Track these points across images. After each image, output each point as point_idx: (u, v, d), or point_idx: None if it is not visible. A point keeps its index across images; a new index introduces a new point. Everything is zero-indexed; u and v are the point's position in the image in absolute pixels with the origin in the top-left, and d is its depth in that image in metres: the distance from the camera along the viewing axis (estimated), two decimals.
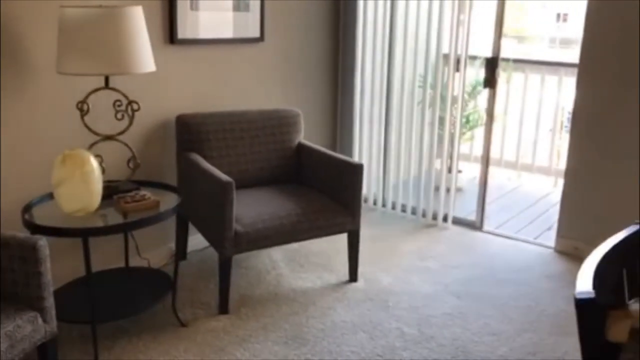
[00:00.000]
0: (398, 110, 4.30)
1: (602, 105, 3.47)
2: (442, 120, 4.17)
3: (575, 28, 6.94)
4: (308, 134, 3.82)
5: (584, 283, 0.98)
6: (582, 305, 0.92)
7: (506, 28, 3.89)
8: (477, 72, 4.80)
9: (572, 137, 3.63)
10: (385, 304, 3.07)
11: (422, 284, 3.30)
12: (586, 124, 3.55)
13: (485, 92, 4.08)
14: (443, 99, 4.12)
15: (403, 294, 3.17)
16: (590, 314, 0.92)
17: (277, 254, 3.59)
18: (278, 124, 3.49)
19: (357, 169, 3.14)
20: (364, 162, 4.26)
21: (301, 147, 3.54)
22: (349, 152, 4.44)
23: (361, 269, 3.32)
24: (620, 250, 1.17)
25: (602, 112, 3.47)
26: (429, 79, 4.21)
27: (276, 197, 3.19)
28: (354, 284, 3.27)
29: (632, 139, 3.38)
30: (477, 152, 5.07)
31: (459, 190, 4.55)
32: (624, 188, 3.43)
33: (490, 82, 3.91)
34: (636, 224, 1.26)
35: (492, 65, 3.86)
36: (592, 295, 0.93)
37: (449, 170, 4.25)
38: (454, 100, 4.10)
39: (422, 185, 4.22)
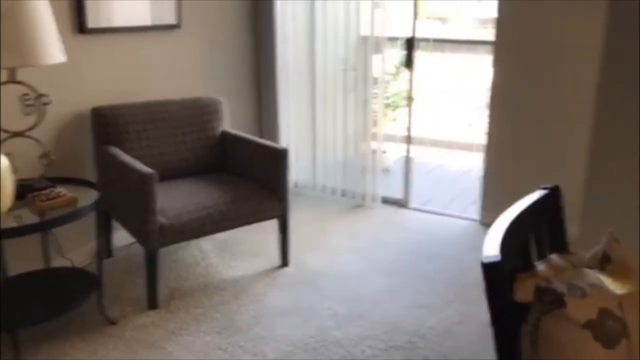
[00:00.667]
0: (323, 94, 4.31)
1: (518, 81, 3.60)
2: (365, 102, 4.22)
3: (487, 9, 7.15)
4: (233, 122, 3.77)
5: (491, 247, 1.02)
6: (488, 268, 0.95)
7: (428, 10, 3.97)
8: (399, 54, 4.89)
9: (491, 112, 3.75)
10: (316, 286, 3.10)
11: (353, 263, 3.35)
12: (504, 100, 3.68)
13: (406, 73, 4.15)
14: (366, 81, 4.16)
15: (334, 275, 3.21)
16: (496, 277, 0.96)
17: (207, 244, 3.54)
18: (200, 112, 3.43)
19: (282, 154, 3.14)
20: (292, 147, 4.25)
21: (225, 135, 3.49)
22: (275, 138, 4.43)
23: (292, 254, 3.33)
24: (526, 214, 1.23)
25: (518, 88, 3.61)
26: (351, 62, 4.24)
27: (202, 187, 3.15)
28: (285, 269, 3.28)
29: (546, 114, 3.53)
30: (402, 133, 5.15)
31: (386, 170, 4.63)
32: (541, 159, 3.59)
33: (409, 62, 3.98)
34: (542, 188, 1.32)
35: (410, 46, 3.93)
36: (498, 258, 0.97)
37: (375, 152, 4.32)
38: (376, 81, 4.15)
39: (350, 167, 4.27)
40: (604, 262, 1.19)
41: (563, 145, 3.53)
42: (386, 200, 4.25)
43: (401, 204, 4.21)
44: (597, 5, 2.88)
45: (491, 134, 3.79)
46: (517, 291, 1.02)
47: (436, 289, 3.06)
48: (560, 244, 1.33)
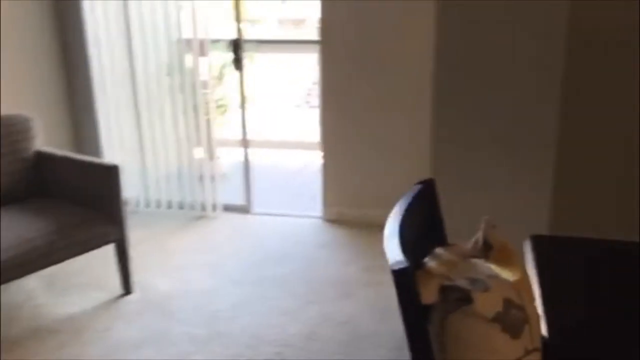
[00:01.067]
0: (147, 101, 4.00)
1: (346, 77, 3.67)
2: (195, 106, 4.01)
3: (301, 8, 7.29)
4: (49, 140, 3.34)
5: (395, 253, 0.95)
6: (399, 275, 0.88)
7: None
8: (222, 56, 4.73)
9: (323, 110, 3.78)
10: (167, 310, 2.86)
11: (203, 280, 3.15)
12: (335, 97, 3.72)
13: (235, 75, 4.03)
14: (194, 85, 3.96)
15: (184, 296, 2.99)
16: (408, 282, 0.89)
17: (30, 282, 3.09)
18: (6, 133, 2.97)
19: (113, 171, 2.84)
20: (117, 161, 3.89)
21: (41, 155, 3.07)
22: (97, 153, 4.03)
23: (135, 279, 3.03)
24: (409, 212, 1.18)
25: (347, 84, 3.68)
26: (175, 66, 4.00)
27: (19, 217, 2.73)
28: (129, 297, 2.98)
29: (376, 108, 3.64)
30: (237, 136, 5.01)
31: (223, 176, 4.47)
32: (377, 152, 3.71)
33: (238, 64, 3.87)
34: (418, 183, 1.29)
35: (236, 47, 3.82)
36: (406, 263, 0.90)
37: (210, 158, 4.15)
38: (204, 85, 3.97)
39: (185, 177, 4.04)
40: (486, 250, 1.19)
41: (397, 137, 3.67)
42: (228, 208, 4.10)
43: (244, 209, 4.09)
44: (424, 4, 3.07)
45: (325, 131, 3.82)
46: (422, 294, 0.96)
47: (292, 293, 3.00)
48: (441, 238, 1.32)
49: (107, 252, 2.93)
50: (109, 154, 4.05)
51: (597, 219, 1.82)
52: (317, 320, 2.75)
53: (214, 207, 4.04)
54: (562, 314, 1.07)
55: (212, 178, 4.05)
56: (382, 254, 3.22)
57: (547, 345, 1.00)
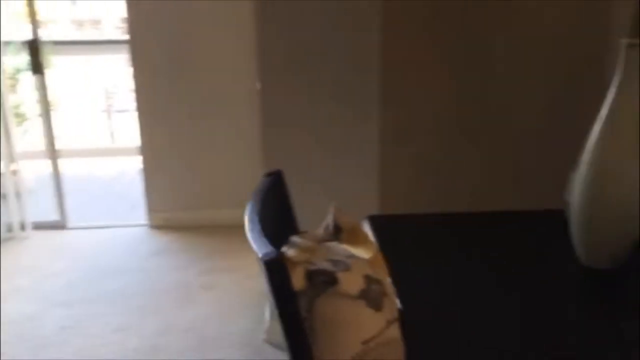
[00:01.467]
0: None
1: (160, 78, 3.55)
2: None
3: (95, 9, 6.87)
4: None
5: (262, 244, 0.96)
6: (270, 265, 0.89)
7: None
8: (14, 59, 4.29)
9: (140, 113, 3.62)
10: None
11: (20, 306, 2.84)
12: (151, 98, 3.59)
13: (32, 80, 3.67)
14: None
15: (2, 325, 2.67)
16: (280, 271, 0.90)
17: None
18: None
19: None
20: None
21: None
22: None
23: None
24: (265, 203, 1.20)
25: (161, 85, 3.56)
26: None
27: None
28: None
29: (193, 106, 3.59)
30: (40, 147, 4.57)
31: (30, 192, 4.05)
32: (199, 152, 3.66)
33: (37, 67, 3.54)
34: (267, 175, 1.31)
35: (34, 49, 3.49)
36: (275, 253, 0.91)
37: (13, 172, 3.75)
38: None
39: None
40: (337, 233, 1.25)
41: (219, 136, 3.66)
42: (40, 226, 3.73)
43: (58, 225, 3.76)
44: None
45: (144, 135, 3.67)
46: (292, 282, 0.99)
47: (128, 307, 2.84)
48: (294, 227, 1.35)
49: None
50: None
51: (420, 198, 2.02)
52: (158, 331, 2.64)
53: (23, 226, 3.65)
54: (410, 285, 1.17)
55: (17, 194, 3.67)
56: (216, 255, 3.20)
57: (402, 314, 1.08)
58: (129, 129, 4.01)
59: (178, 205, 3.73)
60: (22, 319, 2.74)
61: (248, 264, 3.21)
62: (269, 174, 1.31)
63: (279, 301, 0.93)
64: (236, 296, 2.91)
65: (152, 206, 3.78)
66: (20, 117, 4.45)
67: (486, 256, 1.46)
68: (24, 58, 3.61)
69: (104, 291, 2.99)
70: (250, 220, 1.09)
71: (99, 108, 5.31)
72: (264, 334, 2.55)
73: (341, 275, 1.02)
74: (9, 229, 3.63)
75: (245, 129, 3.62)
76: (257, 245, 0.96)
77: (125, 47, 3.53)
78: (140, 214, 3.86)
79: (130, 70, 3.55)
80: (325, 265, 1.04)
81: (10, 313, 2.79)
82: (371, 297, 1.03)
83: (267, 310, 2.64)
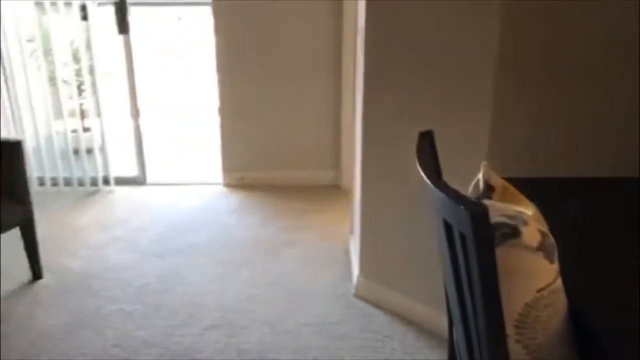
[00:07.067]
0: (19, 69, 3.66)
1: (243, 42, 3.64)
2: (73, 73, 3.75)
3: None
4: None
5: (459, 197, 1.05)
6: (478, 217, 0.99)
7: None
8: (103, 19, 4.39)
9: (220, 75, 3.73)
10: (90, 289, 2.72)
11: (118, 255, 3.03)
12: (232, 60, 3.68)
13: (116, 41, 3.80)
14: (74, 52, 3.69)
15: (105, 273, 2.86)
16: (486, 224, 1.00)
17: None
18: None
19: (16, 148, 2.59)
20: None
21: None
22: None
23: (42, 262, 2.83)
24: (423, 158, 1.30)
25: (243, 47, 3.65)
26: (39, 32, 3.66)
27: None
28: (41, 282, 2.78)
29: (275, 73, 3.67)
30: (123, 105, 4.70)
31: (102, 148, 4.22)
32: (274, 118, 3.76)
33: (123, 27, 3.65)
34: (421, 134, 1.40)
35: (121, 9, 3.60)
36: (482, 206, 1.01)
37: (85, 130, 3.98)
38: (76, 52, 3.74)
39: (70, 151, 3.78)
40: (488, 192, 1.35)
41: (296, 101, 3.75)
42: (120, 181, 3.91)
43: (139, 181, 3.93)
44: None
45: (223, 96, 3.78)
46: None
47: (217, 259, 3.00)
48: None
49: (2, 237, 2.66)
50: None
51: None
52: (251, 282, 2.79)
53: (107, 181, 3.84)
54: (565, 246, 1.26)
55: (102, 150, 3.84)
56: (289, 214, 3.33)
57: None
58: (208, 90, 4.11)
59: (252, 165, 3.86)
60: (123, 267, 2.92)
61: (321, 224, 3.35)
62: (424, 133, 1.40)
63: (483, 253, 1.02)
64: (318, 253, 3.05)
65: (227, 166, 3.92)
66: (106, 76, 4.56)
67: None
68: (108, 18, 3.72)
69: (191, 244, 3.15)
70: (431, 174, 1.19)
71: (179, 69, 5.38)
72: (353, 288, 2.68)
73: (523, 229, 1.12)
74: (93, 182, 3.81)
75: (321, 95, 3.72)
76: (455, 198, 1.05)
77: (208, 8, 3.62)
78: (215, 173, 4.01)
79: (211, 33, 3.64)
80: (504, 219, 1.14)
81: (108, 261, 2.97)
82: (547, 249, 1.13)
83: (354, 267, 2.78)
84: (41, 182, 3.78)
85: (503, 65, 2.01)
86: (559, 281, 1.17)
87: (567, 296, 1.17)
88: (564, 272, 1.16)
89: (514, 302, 1.15)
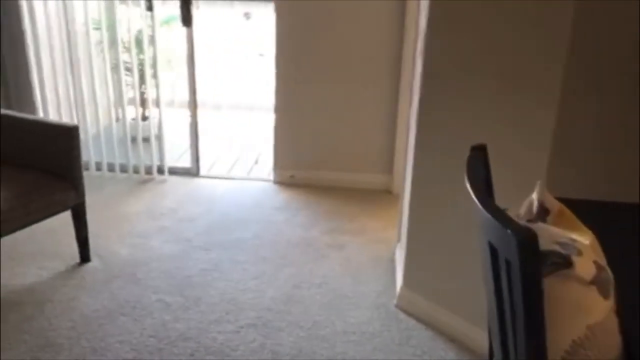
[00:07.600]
0: (87, 59, 3.77)
1: (301, 38, 3.61)
2: (136, 63, 3.82)
3: None
4: None
5: (511, 222, 0.97)
6: (526, 244, 0.90)
7: None
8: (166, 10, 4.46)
9: (278, 72, 3.70)
10: (134, 277, 2.75)
11: (165, 245, 3.05)
12: (290, 57, 3.65)
13: (179, 31, 3.84)
14: (138, 42, 3.77)
15: (150, 261, 2.89)
16: (534, 251, 0.92)
17: None
18: None
19: (72, 132, 2.64)
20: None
21: None
22: (32, 112, 3.72)
23: (91, 246, 2.88)
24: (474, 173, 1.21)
25: (301, 44, 3.61)
26: (105, 20, 3.73)
27: None
28: (89, 265, 2.83)
29: (333, 72, 3.61)
30: (181, 96, 4.74)
31: (158, 138, 4.28)
32: (327, 118, 3.70)
33: (186, 19, 3.68)
34: (473, 149, 1.31)
35: (186, 1, 3.63)
36: (531, 232, 0.92)
37: (144, 118, 4.06)
38: (140, 42, 3.82)
39: (127, 139, 3.85)
40: (543, 214, 1.25)
41: (349, 102, 3.68)
42: (173, 171, 3.95)
43: (191, 173, 3.96)
44: None
45: (279, 94, 3.76)
46: None
47: (261, 257, 2.97)
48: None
49: (54, 219, 2.72)
50: (43, 113, 3.76)
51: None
52: (292, 283, 2.75)
53: (161, 170, 3.89)
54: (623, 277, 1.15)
55: (158, 139, 3.89)
56: (337, 216, 3.25)
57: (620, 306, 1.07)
58: (265, 87, 4.09)
59: (303, 164, 3.82)
60: (167, 257, 2.94)
61: (370, 229, 3.27)
62: (477, 147, 1.32)
63: (529, 283, 0.94)
64: (363, 259, 2.98)
65: (279, 163, 3.89)
66: (167, 67, 4.64)
67: None
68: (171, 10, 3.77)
69: (237, 239, 3.14)
70: (479, 192, 1.11)
71: (240, 64, 5.39)
72: (395, 299, 2.60)
73: (576, 259, 1.02)
74: (148, 171, 3.87)
75: (378, 98, 3.64)
76: (502, 220, 0.97)
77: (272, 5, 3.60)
78: (266, 170, 4.00)
79: (273, 30, 3.62)
80: (557, 247, 1.04)
81: (155, 250, 3.00)
82: (602, 284, 1.03)
83: (398, 276, 2.69)
84: (98, 167, 3.86)
85: (572, 74, 1.88)
86: (614, 320, 1.07)
87: (624, 338, 1.06)
88: (621, 311, 1.05)
89: (562, 338, 1.05)
